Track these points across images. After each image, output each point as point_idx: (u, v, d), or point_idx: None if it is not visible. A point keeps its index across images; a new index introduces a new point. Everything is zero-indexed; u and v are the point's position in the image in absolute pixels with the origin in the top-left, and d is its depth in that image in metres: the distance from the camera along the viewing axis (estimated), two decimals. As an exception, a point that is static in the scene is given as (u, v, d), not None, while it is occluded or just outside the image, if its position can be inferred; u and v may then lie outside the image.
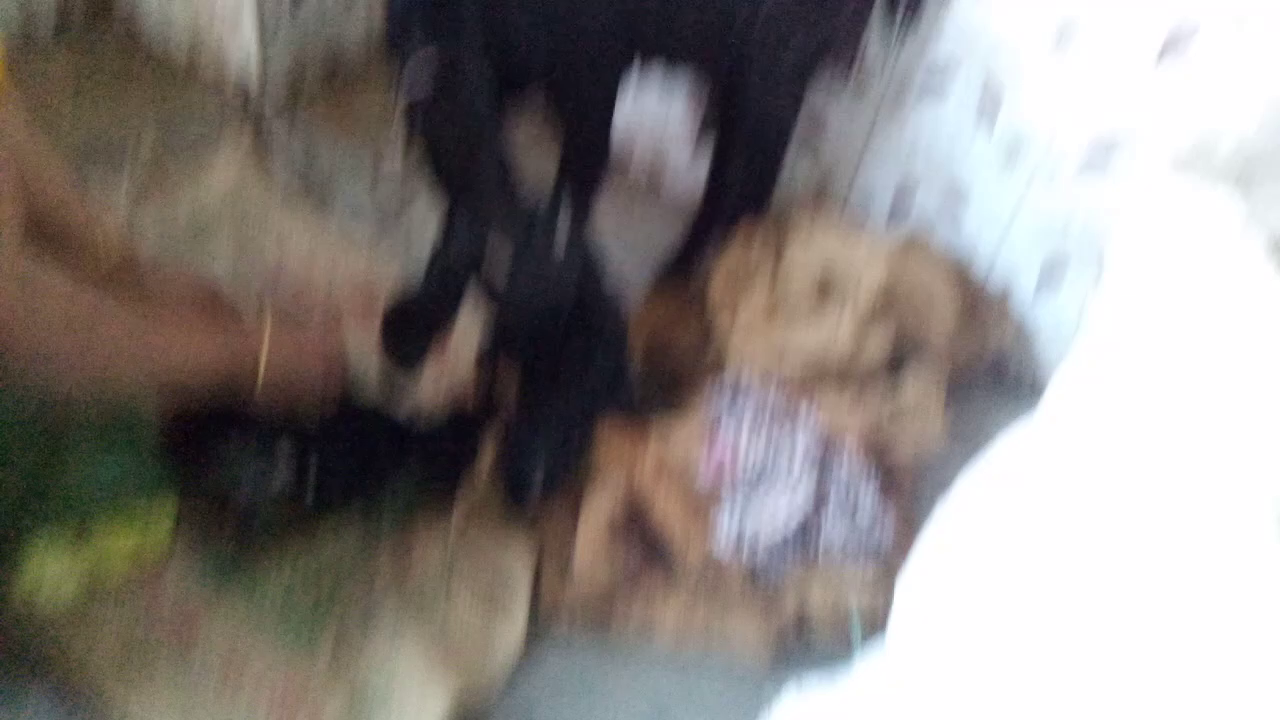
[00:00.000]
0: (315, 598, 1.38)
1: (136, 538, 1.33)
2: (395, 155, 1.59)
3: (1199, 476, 0.84)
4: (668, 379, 1.76)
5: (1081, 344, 1.03)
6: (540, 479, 1.43)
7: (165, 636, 1.30)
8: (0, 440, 1.33)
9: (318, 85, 2.35)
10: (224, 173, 1.98)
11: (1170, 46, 1.56)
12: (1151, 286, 0.95)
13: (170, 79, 2.28)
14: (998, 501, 1.01)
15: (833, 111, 2.00)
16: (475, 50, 1.46)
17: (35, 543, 1.27)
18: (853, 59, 1.83)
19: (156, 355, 1.17)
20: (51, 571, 1.28)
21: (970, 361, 1.85)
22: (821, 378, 1.71)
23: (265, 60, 2.20)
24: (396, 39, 1.51)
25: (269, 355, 1.24)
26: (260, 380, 1.24)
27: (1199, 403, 0.87)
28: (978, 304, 1.89)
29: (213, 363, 1.20)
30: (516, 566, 1.44)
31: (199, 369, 1.20)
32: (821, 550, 1.44)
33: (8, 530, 1.27)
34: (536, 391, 1.50)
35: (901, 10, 1.74)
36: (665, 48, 1.76)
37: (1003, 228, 1.91)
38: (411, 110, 1.46)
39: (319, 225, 1.96)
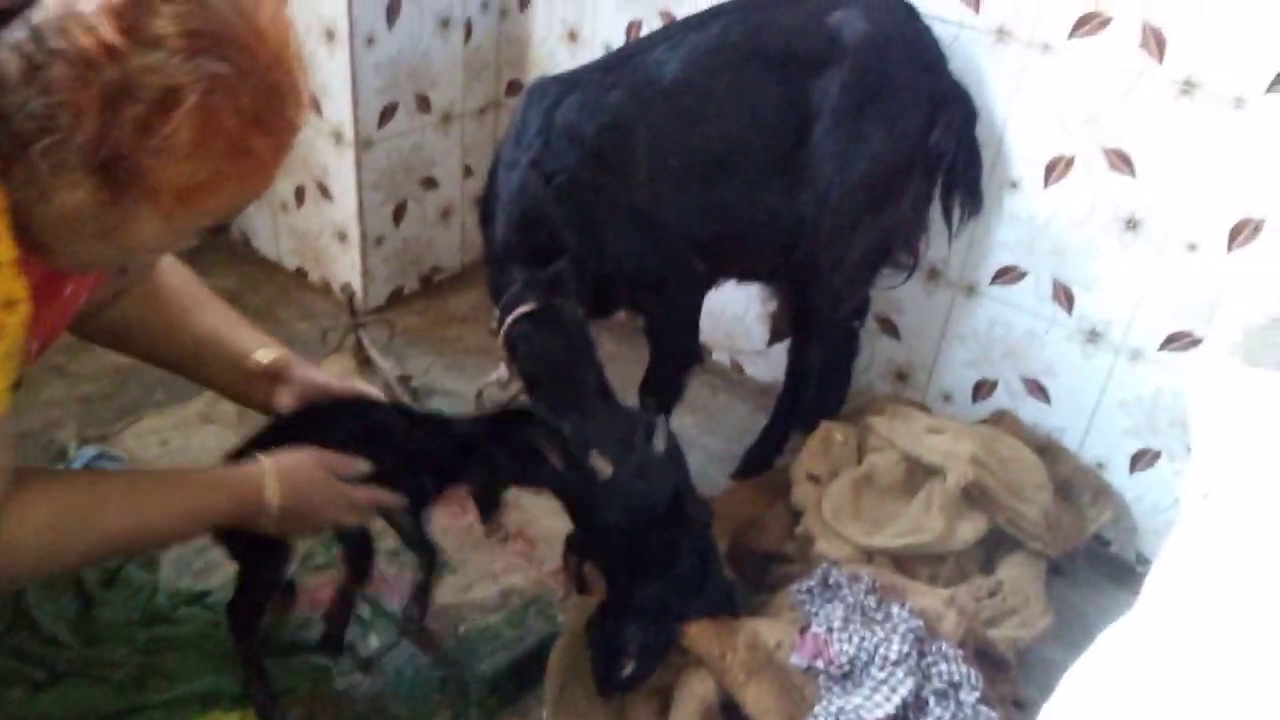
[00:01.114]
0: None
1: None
2: (494, 369, 1.69)
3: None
4: (754, 567, 1.74)
5: (1175, 535, 1.01)
6: (631, 664, 1.41)
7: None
8: (99, 656, 1.40)
9: (417, 294, 2.51)
10: (329, 372, 2.08)
11: (1238, 234, 1.61)
12: (1229, 476, 0.95)
13: (280, 285, 2.46)
14: (1103, 699, 0.98)
15: (908, 302, 2.05)
16: (571, 278, 1.59)
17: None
18: (915, 252, 1.89)
19: (158, 519, 1.20)
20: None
21: (1069, 541, 1.80)
22: (912, 563, 1.69)
23: (367, 270, 2.37)
24: (497, 270, 1.64)
25: (279, 489, 1.25)
26: (275, 514, 1.25)
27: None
28: (1072, 483, 1.86)
29: (218, 508, 1.23)
30: (609, 755, 1.40)
31: (203, 519, 1.24)
32: (926, 743, 1.38)
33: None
34: (626, 582, 1.50)
35: (958, 205, 1.81)
36: (743, 268, 1.89)
37: (1090, 408, 1.90)
38: (510, 334, 1.57)
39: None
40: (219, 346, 1.43)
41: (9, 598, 1.46)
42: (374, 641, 1.54)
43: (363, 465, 1.32)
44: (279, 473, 1.25)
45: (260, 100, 0.98)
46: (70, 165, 0.93)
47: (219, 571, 1.61)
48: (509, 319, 1.57)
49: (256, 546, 1.34)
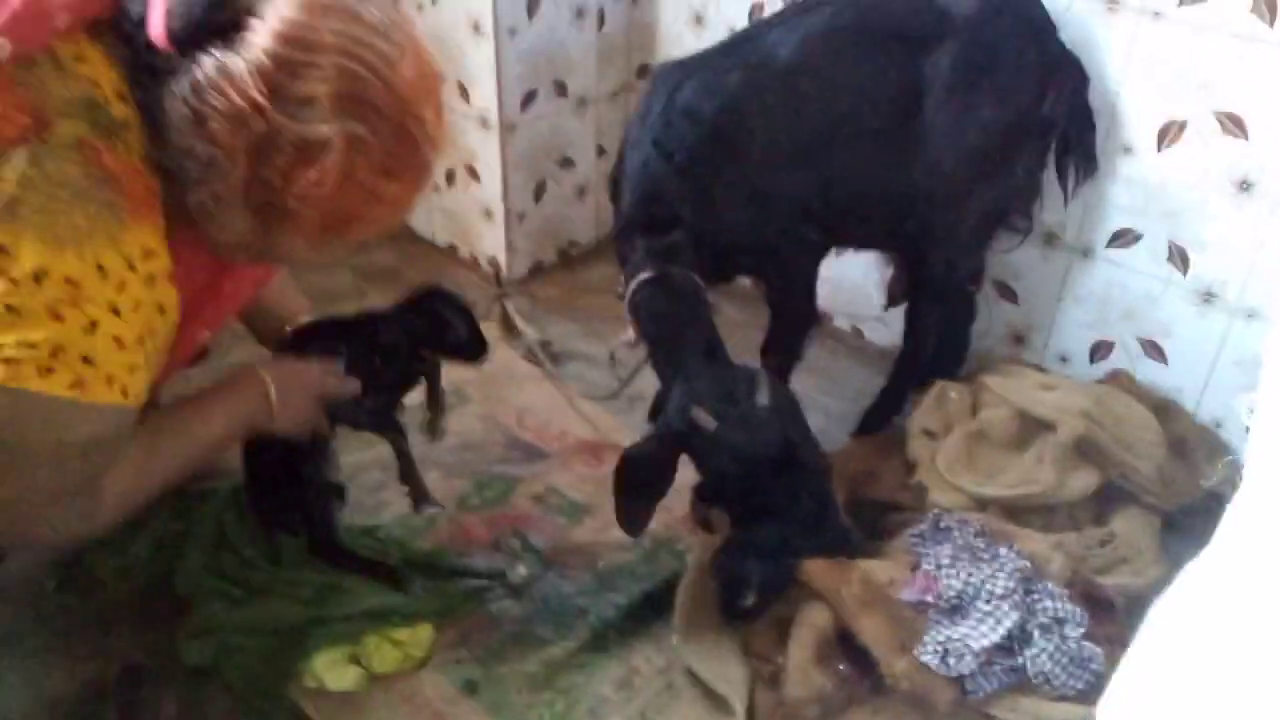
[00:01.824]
0: (555, 706, 1.53)
1: (399, 654, 1.56)
2: (623, 332, 1.84)
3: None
4: (870, 517, 1.85)
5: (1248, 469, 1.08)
6: (752, 596, 1.55)
7: (424, 726, 1.48)
8: (288, 576, 1.62)
9: (555, 266, 2.70)
10: (478, 340, 2.29)
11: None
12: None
13: (433, 261, 2.69)
14: (1188, 630, 1.05)
15: (1025, 266, 2.11)
16: (687, 248, 1.72)
17: (318, 654, 1.52)
18: (1030, 218, 1.96)
19: (199, 445, 1.39)
20: (328, 675, 1.52)
21: (1184, 497, 1.85)
22: (1025, 514, 1.77)
23: (511, 245, 2.56)
24: (622, 240, 1.80)
25: (275, 388, 1.45)
26: (275, 411, 1.45)
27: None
28: (1186, 441, 1.90)
29: (239, 417, 1.43)
30: (736, 670, 1.54)
31: (233, 427, 1.44)
32: (1030, 673, 1.47)
33: (294, 647, 1.54)
34: (748, 522, 1.63)
35: (1073, 170, 1.87)
36: (857, 237, 1.99)
37: (1206, 368, 1.94)
38: (633, 299, 1.72)
39: (555, 390, 2.22)
40: (269, 313, 1.66)
41: (210, 525, 1.70)
42: (522, 571, 1.72)
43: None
44: (269, 371, 1.47)
45: (392, 153, 1.13)
46: (229, 201, 1.10)
47: (389, 509, 1.83)
48: (632, 285, 1.71)
49: (282, 453, 1.59)
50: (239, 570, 1.65)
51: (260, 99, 1.04)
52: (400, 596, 1.63)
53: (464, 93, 2.43)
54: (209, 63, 1.05)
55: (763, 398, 1.56)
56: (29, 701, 1.50)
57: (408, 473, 1.72)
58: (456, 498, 1.88)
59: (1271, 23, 1.65)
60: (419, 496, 1.73)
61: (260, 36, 1.05)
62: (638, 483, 1.60)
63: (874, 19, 1.78)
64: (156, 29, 1.06)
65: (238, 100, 1.04)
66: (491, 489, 1.92)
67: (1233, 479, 1.93)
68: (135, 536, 1.67)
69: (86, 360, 1.06)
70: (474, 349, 1.70)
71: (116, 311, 1.07)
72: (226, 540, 1.69)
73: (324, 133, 1.07)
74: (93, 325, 1.05)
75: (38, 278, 1.01)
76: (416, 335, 1.65)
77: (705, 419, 1.54)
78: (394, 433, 1.71)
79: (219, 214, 1.12)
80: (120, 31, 1.10)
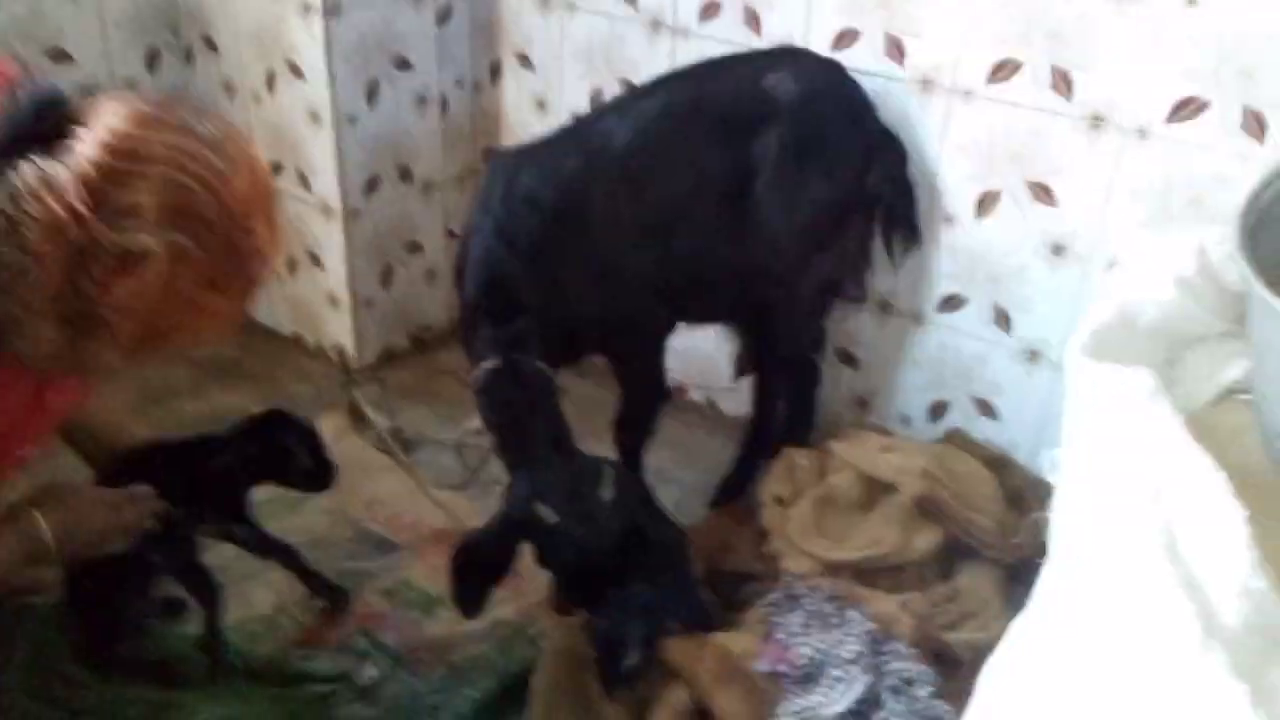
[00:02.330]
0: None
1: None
2: (472, 419, 1.82)
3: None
4: (728, 588, 1.86)
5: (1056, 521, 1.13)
6: (635, 655, 1.52)
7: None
8: (118, 694, 1.53)
9: (406, 352, 2.66)
10: (324, 428, 2.21)
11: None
12: (1087, 462, 1.07)
13: (278, 351, 2.62)
14: (1018, 687, 1.09)
15: (864, 332, 2.19)
16: (533, 335, 1.73)
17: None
18: (863, 286, 2.04)
19: None
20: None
21: (1024, 549, 1.91)
22: (873, 575, 1.80)
23: (359, 332, 2.52)
24: (467, 328, 1.79)
25: (51, 525, 1.37)
26: (52, 548, 1.37)
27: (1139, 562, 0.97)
28: (1022, 493, 1.97)
29: (10, 558, 1.36)
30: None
31: (3, 566, 1.36)
32: (883, 737, 1.49)
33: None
34: (611, 598, 1.61)
35: (899, 240, 1.96)
36: (701, 312, 2.04)
37: (1037, 422, 2.03)
38: (479, 388, 1.71)
39: (406, 478, 2.17)
40: (93, 432, 1.60)
41: (29, 645, 1.59)
42: (371, 671, 1.66)
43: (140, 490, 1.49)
44: (52, 510, 1.38)
45: (219, 266, 1.10)
46: (38, 310, 1.04)
47: (228, 612, 1.74)
48: (477, 374, 1.70)
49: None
50: (64, 690, 1.54)
51: (81, 207, 1.00)
52: (243, 705, 1.54)
53: (304, 181, 2.40)
54: (29, 170, 1.01)
55: (607, 492, 1.57)
56: None
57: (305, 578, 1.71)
58: (300, 598, 1.80)
59: (1069, 97, 1.77)
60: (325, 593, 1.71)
61: (86, 146, 1.01)
62: (475, 568, 1.57)
63: (705, 103, 1.84)
64: None
65: (56, 208, 1.00)
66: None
67: (1041, 534, 2.02)
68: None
69: None
70: (318, 478, 1.65)
71: None
72: (48, 659, 1.58)
73: (146, 243, 1.03)
74: None
75: None
76: (253, 465, 1.59)
77: (547, 513, 1.53)
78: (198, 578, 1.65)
79: (28, 323, 1.06)
80: None
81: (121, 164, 1.02)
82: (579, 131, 1.84)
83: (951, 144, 1.94)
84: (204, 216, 1.07)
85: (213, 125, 1.11)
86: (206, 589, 1.64)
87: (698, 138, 1.83)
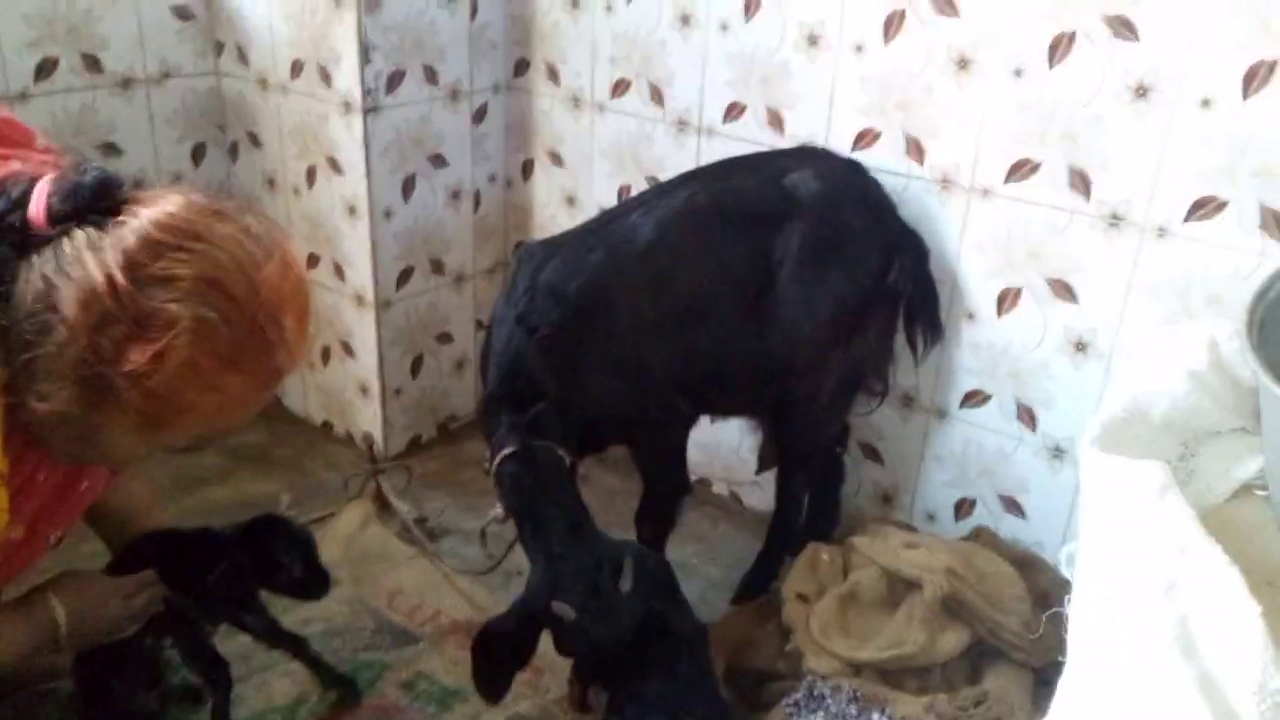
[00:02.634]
0: None
1: None
2: (494, 508, 1.83)
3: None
4: (749, 686, 1.83)
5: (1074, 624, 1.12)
6: None
7: None
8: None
9: (433, 442, 2.68)
10: (349, 516, 2.25)
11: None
12: (1101, 558, 1.06)
13: (307, 439, 2.66)
14: None
15: (887, 427, 2.19)
16: (551, 422, 1.75)
17: None
18: (886, 381, 2.04)
19: None
20: None
21: (1052, 652, 1.87)
22: (899, 676, 1.77)
23: (387, 420, 2.55)
24: (487, 414, 1.82)
25: (65, 612, 1.42)
26: (64, 634, 1.42)
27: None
28: (1050, 594, 1.93)
29: (24, 644, 1.40)
30: None
31: (19, 652, 1.40)
32: (906, 844, 1.44)
33: None
34: (631, 690, 1.59)
35: (921, 336, 1.97)
36: (723, 405, 2.05)
37: (1064, 521, 2.00)
38: (497, 474, 1.73)
39: (430, 567, 2.17)
40: (112, 516, 1.62)
41: None
42: (385, 766, 1.64)
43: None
44: (65, 595, 1.43)
45: (242, 346, 1.09)
46: (56, 371, 1.04)
47: (243, 705, 1.74)
48: (496, 460, 1.72)
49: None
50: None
51: (118, 274, 1.02)
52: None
53: (340, 272, 2.46)
54: (80, 237, 1.04)
55: (626, 582, 1.56)
56: None
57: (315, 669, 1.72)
58: (320, 692, 1.80)
59: (1087, 196, 1.79)
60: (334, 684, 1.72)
61: (139, 223, 1.05)
62: (496, 656, 1.57)
63: (728, 200, 1.88)
64: (38, 208, 1.06)
65: (94, 272, 1.01)
66: (358, 678, 1.84)
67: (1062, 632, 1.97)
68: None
69: None
70: (309, 588, 1.65)
71: None
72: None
73: (172, 311, 1.03)
74: None
75: None
76: (244, 572, 1.60)
77: (565, 610, 1.52)
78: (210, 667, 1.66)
79: (43, 382, 1.05)
80: None
81: (165, 238, 1.05)
82: (604, 227, 1.88)
83: (971, 241, 1.96)
84: (234, 295, 1.07)
85: (257, 221, 1.14)
86: (217, 676, 1.64)
87: (720, 234, 1.86)
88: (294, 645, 1.73)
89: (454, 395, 2.73)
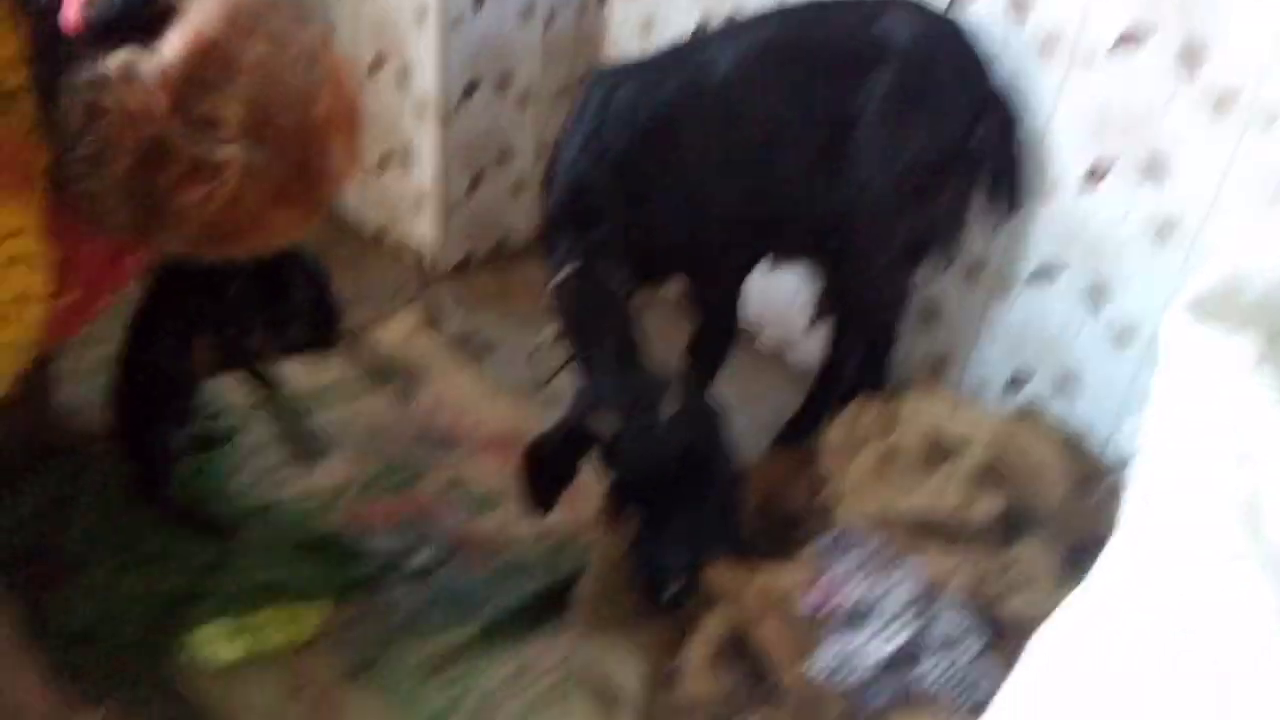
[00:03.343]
0: (441, 693, 1.50)
1: (290, 631, 1.52)
2: (549, 327, 1.83)
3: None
4: (778, 530, 1.86)
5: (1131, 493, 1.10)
6: (678, 584, 1.54)
7: (306, 709, 1.44)
8: (179, 545, 1.57)
9: (486, 260, 2.67)
10: (398, 325, 2.27)
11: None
12: (1174, 429, 1.04)
13: (360, 244, 2.65)
14: (1065, 660, 1.06)
15: (946, 296, 2.15)
16: (613, 245, 1.73)
17: (203, 626, 1.48)
18: (954, 247, 1.99)
19: None
20: (211, 646, 1.47)
21: (1084, 533, 1.88)
22: (929, 534, 1.79)
23: (442, 235, 2.53)
24: (549, 233, 1.80)
25: None
26: None
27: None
28: (1090, 478, 1.94)
29: None
30: (631, 669, 1.53)
31: None
32: (922, 688, 1.48)
33: (178, 618, 1.50)
34: (658, 516, 1.62)
35: (998, 205, 1.91)
36: (784, 249, 2.01)
37: (1117, 407, 1.98)
38: (555, 293, 1.71)
39: (474, 381, 2.19)
40: None
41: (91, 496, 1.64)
42: (422, 558, 1.69)
43: None
44: None
45: (290, 182, 1.08)
46: (108, 197, 1.04)
47: (287, 487, 1.79)
48: (555, 279, 1.71)
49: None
50: (128, 535, 1.59)
51: (162, 109, 0.99)
52: (294, 572, 1.59)
53: (404, 78, 2.40)
54: (117, 59, 1.00)
55: (668, 409, 1.56)
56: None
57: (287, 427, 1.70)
58: (362, 481, 1.84)
59: (1196, 73, 1.70)
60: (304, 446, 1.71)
61: (176, 43, 1.00)
62: (542, 471, 1.59)
63: (813, 41, 1.81)
64: (71, 16, 1.01)
65: (138, 105, 0.99)
66: (398, 474, 1.89)
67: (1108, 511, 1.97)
68: (20, 498, 1.60)
69: None
70: (319, 325, 1.63)
71: None
72: (109, 510, 1.64)
73: (223, 155, 1.02)
74: None
75: None
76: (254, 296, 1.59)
77: (604, 425, 1.53)
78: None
79: (98, 205, 1.06)
80: (30, 5, 1.05)
81: (208, 71, 1.01)
82: (681, 56, 1.82)
83: (1065, 110, 1.87)
84: (282, 135, 1.06)
85: (308, 33, 1.09)
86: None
87: (800, 76, 1.79)
88: (274, 396, 1.73)
89: (509, 216, 2.70)
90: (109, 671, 1.45)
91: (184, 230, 1.09)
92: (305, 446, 1.68)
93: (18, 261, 1.04)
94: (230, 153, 1.02)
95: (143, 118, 1.00)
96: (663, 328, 2.35)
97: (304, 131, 1.07)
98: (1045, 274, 2.00)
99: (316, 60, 1.08)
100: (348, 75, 1.14)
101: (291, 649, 1.52)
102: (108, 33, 1.01)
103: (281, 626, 1.52)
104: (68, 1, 1.02)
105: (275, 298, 1.59)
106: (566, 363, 1.84)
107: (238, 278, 1.56)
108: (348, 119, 1.13)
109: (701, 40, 1.85)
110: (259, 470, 1.80)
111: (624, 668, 1.55)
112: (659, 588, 1.56)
